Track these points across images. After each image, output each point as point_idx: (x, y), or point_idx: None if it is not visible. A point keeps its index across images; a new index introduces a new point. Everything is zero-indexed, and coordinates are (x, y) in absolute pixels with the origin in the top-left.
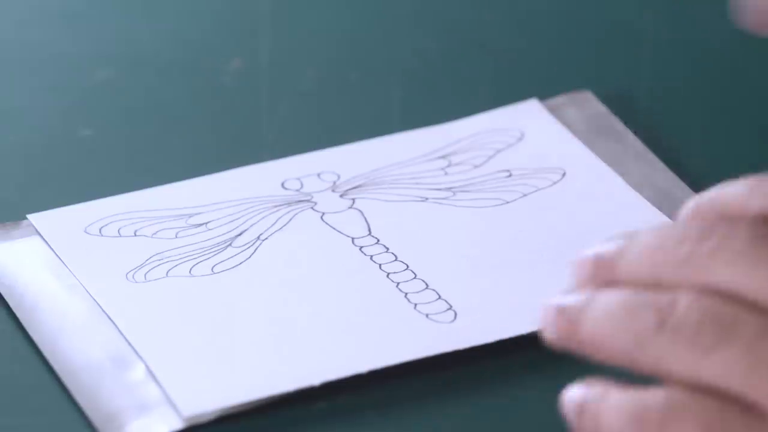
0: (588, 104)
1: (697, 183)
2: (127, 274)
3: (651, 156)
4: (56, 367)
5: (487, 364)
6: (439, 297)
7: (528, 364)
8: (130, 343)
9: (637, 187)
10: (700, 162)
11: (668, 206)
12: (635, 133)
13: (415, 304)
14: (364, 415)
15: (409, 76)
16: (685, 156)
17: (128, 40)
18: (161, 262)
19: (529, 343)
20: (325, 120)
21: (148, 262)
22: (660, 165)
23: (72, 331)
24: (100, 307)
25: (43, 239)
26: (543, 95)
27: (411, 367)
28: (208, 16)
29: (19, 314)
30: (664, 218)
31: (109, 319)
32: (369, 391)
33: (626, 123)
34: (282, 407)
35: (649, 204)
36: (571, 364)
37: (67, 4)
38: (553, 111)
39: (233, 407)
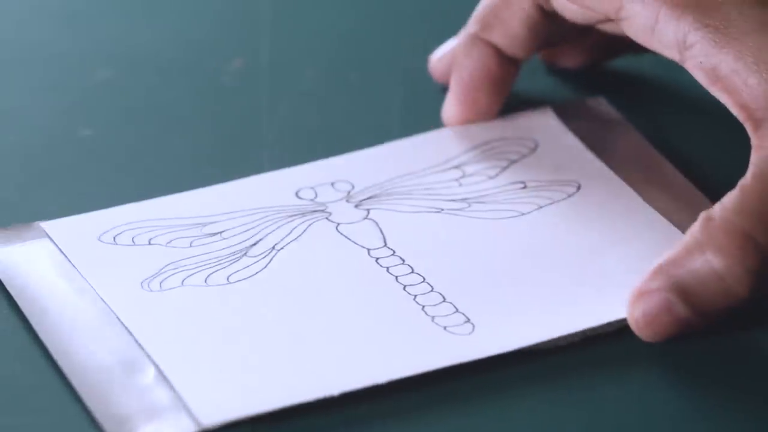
0: (600, 110)
1: (701, 182)
2: (142, 282)
3: (668, 166)
4: (66, 369)
5: (498, 374)
6: (457, 310)
7: (536, 375)
8: (148, 354)
9: (648, 196)
10: (706, 163)
11: (681, 216)
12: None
13: (433, 317)
14: (385, 423)
15: (409, 76)
16: (690, 157)
17: (128, 40)
18: (176, 271)
19: (541, 354)
20: (325, 120)
21: (163, 271)
22: (676, 174)
23: (82, 333)
24: (116, 315)
25: (57, 247)
26: (545, 97)
27: (428, 376)
28: (209, 16)
29: (29, 316)
30: (677, 232)
31: (125, 328)
32: (383, 399)
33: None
34: (294, 416)
35: (663, 219)
36: (578, 373)
37: (67, 4)
38: (565, 116)
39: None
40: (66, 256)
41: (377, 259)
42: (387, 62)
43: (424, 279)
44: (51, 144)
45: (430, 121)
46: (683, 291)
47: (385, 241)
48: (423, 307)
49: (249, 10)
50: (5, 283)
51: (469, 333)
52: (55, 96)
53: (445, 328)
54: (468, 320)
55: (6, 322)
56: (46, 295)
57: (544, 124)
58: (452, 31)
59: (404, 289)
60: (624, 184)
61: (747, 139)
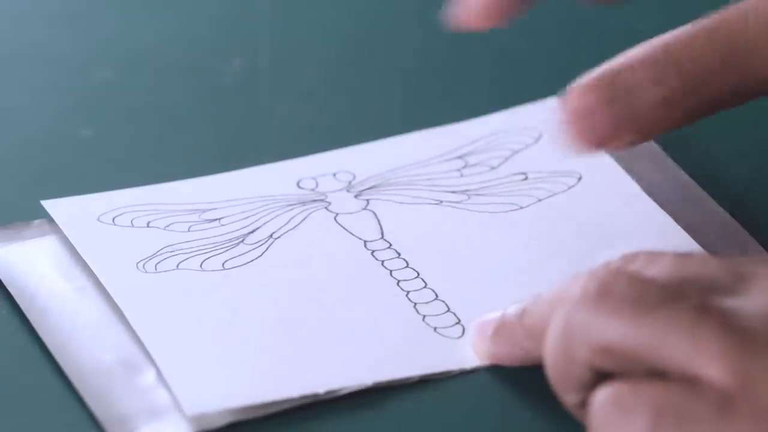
0: None
1: (702, 180)
2: (138, 263)
3: (665, 157)
4: (66, 369)
5: (489, 369)
6: (448, 309)
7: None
8: (136, 333)
9: (650, 189)
10: (706, 162)
11: (680, 209)
12: None
13: (424, 316)
14: (364, 415)
15: (409, 75)
16: (690, 155)
17: (128, 40)
18: (173, 254)
19: None
20: (324, 120)
21: (159, 252)
22: (675, 167)
23: (83, 333)
24: (109, 293)
25: (56, 239)
26: (543, 95)
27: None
28: (208, 17)
29: (29, 315)
30: (676, 227)
31: (125, 326)
32: (370, 393)
33: None
34: (293, 417)
35: (663, 212)
36: None
37: (67, 4)
38: None
39: (237, 410)
40: (63, 233)
41: (373, 251)
42: (387, 62)
43: (418, 274)
44: (51, 144)
45: (430, 120)
46: None
47: (382, 233)
48: (415, 304)
49: (249, 10)
50: (5, 282)
51: (458, 337)
52: (55, 96)
53: (435, 329)
54: (458, 321)
55: (6, 321)
56: (46, 294)
57: (549, 114)
58: (452, 32)
59: (398, 284)
60: (626, 174)
61: (746, 136)
